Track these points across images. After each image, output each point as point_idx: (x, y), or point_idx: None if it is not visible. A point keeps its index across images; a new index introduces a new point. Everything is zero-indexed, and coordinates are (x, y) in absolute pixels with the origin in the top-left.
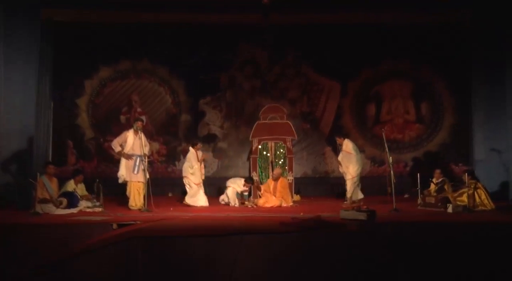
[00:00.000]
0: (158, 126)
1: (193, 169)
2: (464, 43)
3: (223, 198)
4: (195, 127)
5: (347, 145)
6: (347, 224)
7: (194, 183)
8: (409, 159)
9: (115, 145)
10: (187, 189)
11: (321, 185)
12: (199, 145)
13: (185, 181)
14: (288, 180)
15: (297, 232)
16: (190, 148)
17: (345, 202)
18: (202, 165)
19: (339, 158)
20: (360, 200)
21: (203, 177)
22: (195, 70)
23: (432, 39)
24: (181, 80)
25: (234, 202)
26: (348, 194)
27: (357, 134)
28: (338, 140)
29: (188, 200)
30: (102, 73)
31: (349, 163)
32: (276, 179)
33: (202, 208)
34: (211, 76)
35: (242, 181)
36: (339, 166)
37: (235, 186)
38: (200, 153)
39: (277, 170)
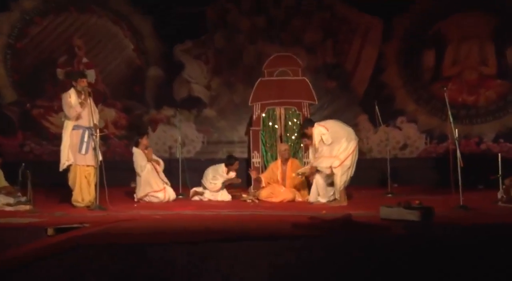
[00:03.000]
0: (114, 85)
1: (143, 172)
2: None
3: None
4: (169, 86)
5: (321, 134)
6: (391, 227)
7: (157, 191)
8: (486, 131)
9: (72, 114)
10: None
11: None
12: (145, 139)
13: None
14: (304, 163)
15: (317, 238)
16: (134, 149)
17: (332, 202)
18: (156, 163)
19: (310, 155)
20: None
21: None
22: (168, 0)
23: None
24: (148, 16)
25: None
26: (340, 187)
27: (407, 96)
28: (306, 131)
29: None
30: (25, 2)
31: (333, 151)
32: (285, 161)
33: (179, 204)
34: (192, 10)
35: (222, 167)
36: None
37: (214, 183)
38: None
39: (284, 146)
